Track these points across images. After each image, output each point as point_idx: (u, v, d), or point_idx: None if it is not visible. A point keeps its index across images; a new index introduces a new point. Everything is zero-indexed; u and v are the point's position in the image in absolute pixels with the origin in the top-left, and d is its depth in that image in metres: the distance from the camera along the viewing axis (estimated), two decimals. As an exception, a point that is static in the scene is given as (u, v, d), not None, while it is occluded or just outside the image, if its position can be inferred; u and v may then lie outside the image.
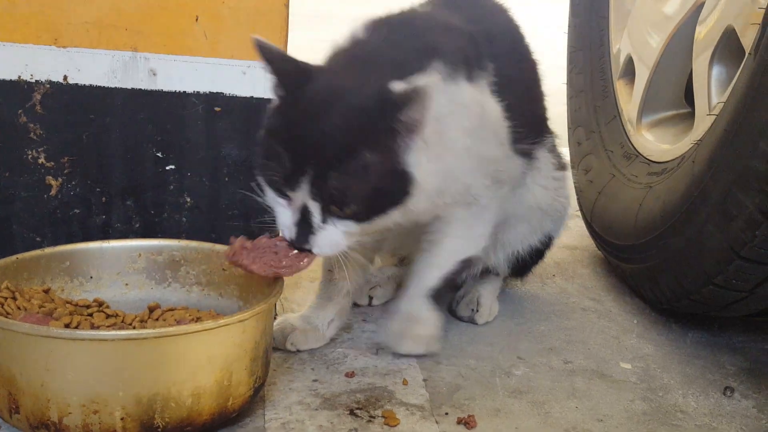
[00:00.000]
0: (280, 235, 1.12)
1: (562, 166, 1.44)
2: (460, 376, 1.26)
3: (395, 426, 1.11)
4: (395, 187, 1.08)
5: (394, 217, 1.11)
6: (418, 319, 1.29)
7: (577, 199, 1.76)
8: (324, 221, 1.07)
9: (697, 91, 1.43)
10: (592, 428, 1.14)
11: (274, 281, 1.16)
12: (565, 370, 1.30)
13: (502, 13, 1.38)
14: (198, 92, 1.29)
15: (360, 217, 1.07)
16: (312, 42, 1.80)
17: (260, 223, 1.20)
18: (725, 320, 1.46)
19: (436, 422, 1.13)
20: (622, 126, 1.68)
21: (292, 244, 1.09)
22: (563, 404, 1.20)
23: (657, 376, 1.29)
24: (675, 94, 1.61)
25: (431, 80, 1.04)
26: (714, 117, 1.30)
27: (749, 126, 1.15)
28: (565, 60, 1.98)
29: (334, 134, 1.04)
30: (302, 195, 1.06)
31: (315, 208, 1.06)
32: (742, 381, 1.29)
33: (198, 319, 1.21)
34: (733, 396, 1.25)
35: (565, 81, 1.97)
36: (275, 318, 1.36)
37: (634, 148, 1.62)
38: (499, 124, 1.26)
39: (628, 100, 1.70)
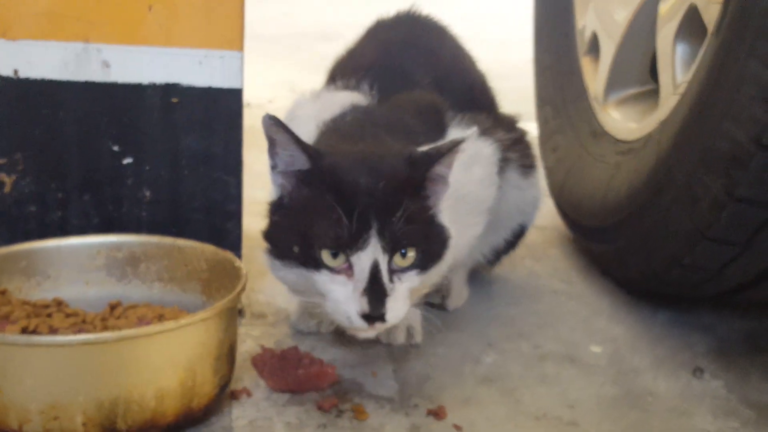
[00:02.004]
0: (339, 322, 1.07)
1: (531, 165, 1.44)
2: (429, 365, 1.26)
3: (364, 420, 1.11)
4: (439, 235, 1.09)
5: (439, 272, 1.11)
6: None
7: (546, 178, 1.77)
8: (391, 281, 1.04)
9: (661, 69, 1.43)
10: (562, 414, 1.15)
11: (237, 275, 1.15)
12: (535, 356, 1.31)
13: (447, 40, 1.45)
14: (154, 83, 1.28)
15: (422, 264, 1.06)
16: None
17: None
18: (695, 299, 1.48)
19: (406, 414, 1.13)
20: (589, 104, 1.68)
21: (367, 318, 1.03)
22: (533, 391, 1.20)
23: (627, 359, 1.31)
24: (641, 71, 1.61)
25: (457, 139, 1.07)
26: (679, 96, 1.30)
27: (713, 106, 1.16)
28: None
29: (381, 186, 1.03)
30: (370, 252, 1.02)
31: (384, 264, 1.03)
32: (711, 361, 1.31)
33: (161, 316, 1.20)
34: (703, 377, 1.26)
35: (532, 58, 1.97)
36: (241, 314, 1.35)
37: (601, 126, 1.62)
38: (490, 167, 1.31)
39: (594, 77, 1.70)
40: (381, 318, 1.02)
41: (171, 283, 1.26)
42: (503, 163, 1.35)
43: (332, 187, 1.04)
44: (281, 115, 1.37)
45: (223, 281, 1.19)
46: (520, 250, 1.66)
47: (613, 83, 1.64)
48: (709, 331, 1.41)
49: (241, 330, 1.31)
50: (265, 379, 1.16)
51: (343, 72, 1.35)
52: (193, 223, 1.32)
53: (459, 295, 1.46)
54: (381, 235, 1.02)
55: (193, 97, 1.28)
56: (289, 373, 1.16)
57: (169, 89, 1.28)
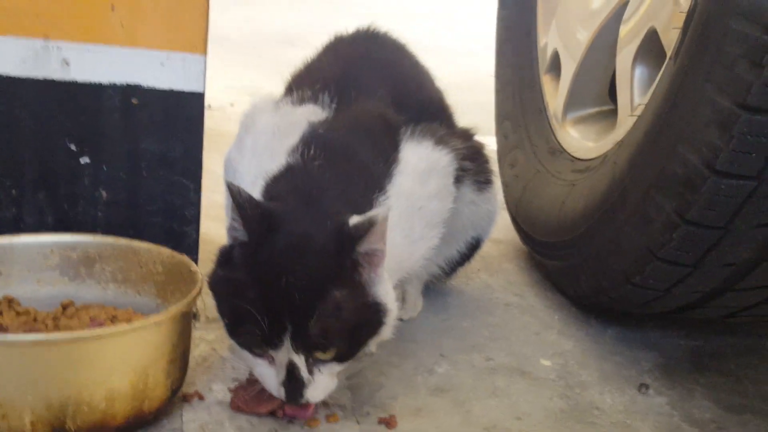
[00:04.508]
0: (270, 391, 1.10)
1: (487, 180, 1.46)
2: (382, 374, 1.27)
3: (315, 426, 1.12)
4: (370, 319, 1.08)
5: (372, 345, 1.12)
6: None
7: (504, 193, 1.79)
8: (311, 372, 1.06)
9: (619, 90, 1.47)
10: (510, 427, 1.17)
11: (193, 279, 1.15)
12: (486, 368, 1.32)
13: (405, 57, 1.47)
14: (114, 84, 1.27)
15: (343, 356, 1.07)
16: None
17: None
18: (643, 316, 1.51)
19: (357, 422, 1.14)
20: (548, 121, 1.71)
21: (286, 403, 1.08)
22: (484, 403, 1.22)
23: (575, 373, 1.33)
24: (600, 91, 1.65)
25: (383, 210, 1.05)
26: (635, 118, 1.33)
27: (668, 130, 1.18)
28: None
29: (303, 282, 1.02)
30: (285, 352, 1.04)
31: (300, 362, 1.04)
32: (656, 377, 1.34)
33: (114, 318, 1.20)
34: (648, 393, 1.29)
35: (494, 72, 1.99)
36: (196, 317, 1.35)
37: (559, 144, 1.65)
38: (446, 178, 1.32)
39: (554, 95, 1.73)
40: (301, 405, 1.07)
41: (125, 285, 1.26)
42: (460, 174, 1.37)
43: (257, 280, 1.04)
44: (239, 118, 1.38)
45: (179, 285, 1.19)
46: (476, 263, 1.68)
47: (573, 102, 1.67)
48: (655, 348, 1.44)
49: (196, 334, 1.31)
50: (240, 407, 1.14)
51: (301, 85, 1.36)
52: (150, 226, 1.32)
53: (414, 305, 1.47)
54: (294, 339, 1.02)
55: (153, 98, 1.28)
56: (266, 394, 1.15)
57: (130, 90, 1.28)
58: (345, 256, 1.05)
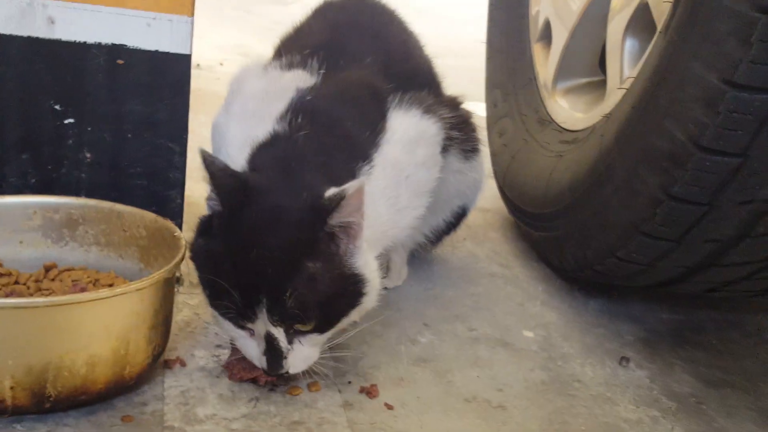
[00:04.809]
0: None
1: (474, 149, 1.45)
2: (365, 343, 1.27)
3: (297, 395, 1.13)
4: (349, 290, 1.08)
5: (355, 316, 1.12)
6: None
7: (492, 162, 1.79)
8: (290, 342, 1.06)
9: (609, 62, 1.46)
10: (491, 398, 1.18)
11: (176, 244, 1.15)
12: (469, 338, 1.33)
13: (394, 24, 1.46)
14: (99, 43, 1.26)
15: (323, 327, 1.07)
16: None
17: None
18: (626, 289, 1.52)
19: (339, 391, 1.14)
20: (538, 90, 1.70)
21: (268, 373, 1.08)
22: (465, 373, 1.23)
23: (557, 345, 1.34)
24: (590, 62, 1.64)
25: (357, 183, 1.04)
26: (624, 91, 1.33)
27: (656, 104, 1.18)
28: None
29: (275, 254, 1.02)
30: (263, 323, 1.04)
31: (279, 333, 1.04)
32: (638, 351, 1.35)
33: (96, 281, 1.20)
34: (629, 366, 1.30)
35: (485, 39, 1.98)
36: (179, 282, 1.35)
37: (548, 114, 1.64)
38: (433, 147, 1.31)
39: (545, 64, 1.72)
40: (282, 375, 1.08)
41: (108, 248, 1.25)
42: (447, 143, 1.37)
43: (230, 252, 1.04)
44: (228, 80, 1.37)
45: (162, 250, 1.19)
46: (461, 232, 1.68)
47: (563, 72, 1.66)
48: (637, 321, 1.45)
49: (179, 299, 1.31)
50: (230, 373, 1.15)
51: (290, 49, 1.34)
52: (134, 189, 1.31)
53: (398, 274, 1.48)
54: (270, 312, 1.03)
55: (139, 60, 1.27)
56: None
57: (115, 50, 1.26)
58: (318, 229, 1.05)
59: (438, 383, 1.20)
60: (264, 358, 1.06)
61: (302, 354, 1.07)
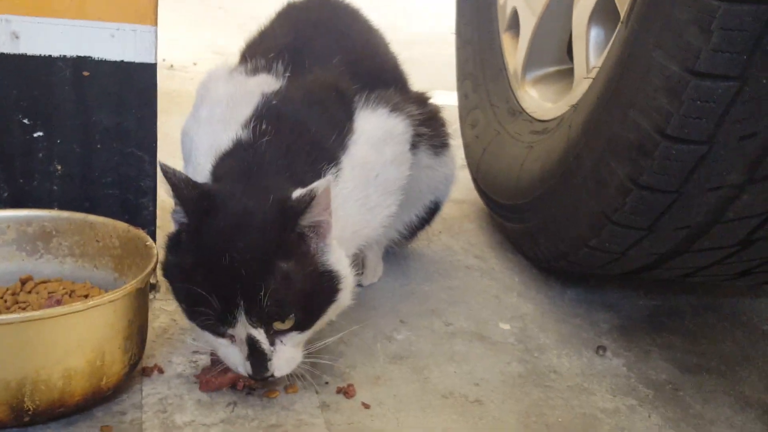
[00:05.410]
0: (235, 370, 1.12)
1: (443, 144, 1.46)
2: (342, 342, 1.29)
3: (274, 398, 1.14)
4: (324, 287, 1.09)
5: (332, 313, 1.13)
6: None
7: (465, 153, 1.80)
8: (272, 344, 1.07)
9: (576, 51, 1.47)
10: (468, 393, 1.19)
11: (149, 253, 1.16)
12: (446, 333, 1.35)
13: (359, 23, 1.47)
14: (65, 56, 1.26)
15: (303, 325, 1.08)
16: None
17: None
18: (602, 277, 1.53)
19: (316, 392, 1.16)
20: (508, 81, 1.72)
21: (253, 379, 1.09)
22: (442, 369, 1.24)
23: (534, 337, 1.36)
24: (559, 50, 1.65)
25: (324, 182, 1.05)
26: (590, 81, 1.34)
27: (621, 94, 1.19)
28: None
29: (247, 257, 1.03)
30: (242, 327, 1.05)
31: (260, 335, 1.05)
32: (614, 339, 1.37)
33: (72, 292, 1.21)
34: (605, 355, 1.32)
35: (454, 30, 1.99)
36: (155, 288, 1.36)
37: (519, 104, 1.65)
38: (402, 145, 1.32)
39: (514, 54, 1.73)
40: (267, 378, 1.08)
41: (83, 259, 1.26)
42: (416, 139, 1.38)
43: (202, 261, 1.05)
44: (198, 82, 1.37)
45: (135, 259, 1.20)
46: (437, 225, 1.69)
47: (532, 61, 1.67)
48: (613, 309, 1.47)
49: (156, 305, 1.33)
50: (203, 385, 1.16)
51: (255, 53, 1.35)
52: (106, 199, 1.32)
53: (374, 271, 1.49)
54: (249, 313, 1.04)
55: (105, 71, 1.27)
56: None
57: (81, 62, 1.27)
58: (289, 230, 1.06)
59: (415, 380, 1.21)
60: (248, 363, 1.07)
61: (286, 356, 1.08)
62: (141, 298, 1.11)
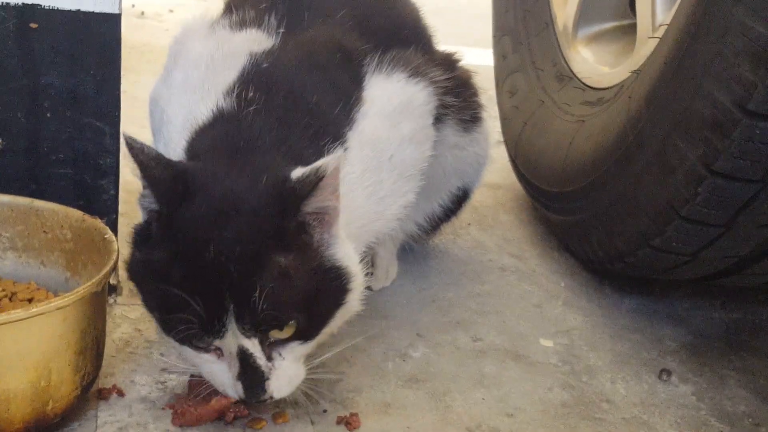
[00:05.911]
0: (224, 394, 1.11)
1: (474, 117, 1.45)
2: (345, 360, 1.29)
3: (260, 429, 1.14)
4: (331, 286, 1.08)
5: (339, 320, 1.12)
6: None
7: (501, 128, 1.79)
8: (270, 358, 1.06)
9: (639, 4, 1.46)
10: (499, 425, 1.19)
11: (108, 248, 1.16)
12: (473, 351, 1.34)
13: None
14: (7, 3, 1.26)
15: (306, 333, 1.07)
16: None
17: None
18: (668, 284, 1.52)
19: (312, 422, 1.16)
20: (555, 38, 1.71)
21: (246, 402, 1.09)
22: (467, 395, 1.24)
23: (582, 356, 1.35)
24: (620, 1, 1.64)
25: (332, 158, 1.04)
26: (656, 41, 1.33)
27: (693, 59, 1.18)
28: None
29: (236, 250, 1.02)
30: (232, 338, 1.04)
31: (254, 347, 1.04)
32: (682, 361, 1.36)
33: (13, 295, 1.21)
34: (670, 380, 1.31)
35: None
36: (115, 291, 1.36)
37: (568, 68, 1.65)
38: (423, 119, 1.32)
39: (564, 5, 1.72)
40: (265, 402, 1.08)
41: (27, 254, 1.27)
42: (441, 111, 1.37)
43: (179, 256, 1.03)
44: (173, 33, 1.37)
45: (91, 255, 1.20)
46: (465, 216, 1.69)
47: (586, 14, 1.67)
48: (682, 323, 1.46)
49: (116, 311, 1.33)
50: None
51: (243, 2, 1.34)
52: (56, 180, 1.32)
53: (386, 272, 1.49)
54: (240, 320, 1.02)
55: (57, 22, 1.27)
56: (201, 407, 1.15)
57: (27, 11, 1.27)
58: (288, 217, 1.05)
59: (433, 408, 1.21)
60: (239, 384, 1.06)
61: (286, 373, 1.07)
62: (97, 304, 1.12)
